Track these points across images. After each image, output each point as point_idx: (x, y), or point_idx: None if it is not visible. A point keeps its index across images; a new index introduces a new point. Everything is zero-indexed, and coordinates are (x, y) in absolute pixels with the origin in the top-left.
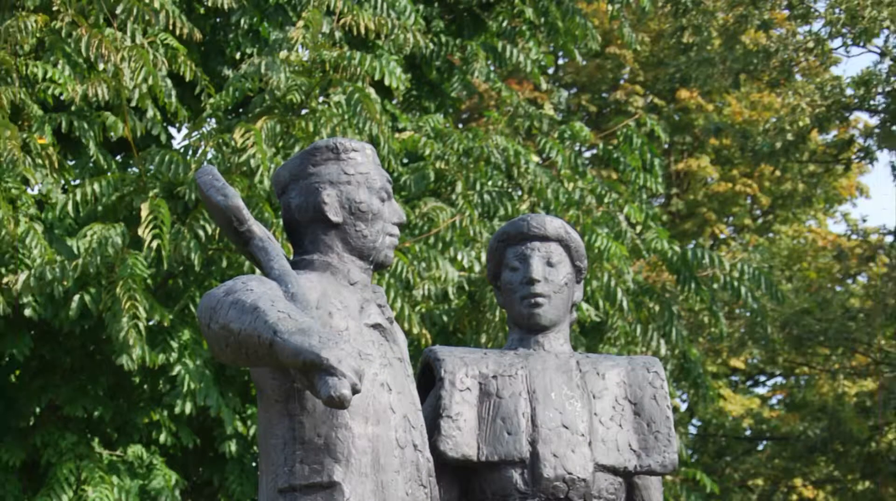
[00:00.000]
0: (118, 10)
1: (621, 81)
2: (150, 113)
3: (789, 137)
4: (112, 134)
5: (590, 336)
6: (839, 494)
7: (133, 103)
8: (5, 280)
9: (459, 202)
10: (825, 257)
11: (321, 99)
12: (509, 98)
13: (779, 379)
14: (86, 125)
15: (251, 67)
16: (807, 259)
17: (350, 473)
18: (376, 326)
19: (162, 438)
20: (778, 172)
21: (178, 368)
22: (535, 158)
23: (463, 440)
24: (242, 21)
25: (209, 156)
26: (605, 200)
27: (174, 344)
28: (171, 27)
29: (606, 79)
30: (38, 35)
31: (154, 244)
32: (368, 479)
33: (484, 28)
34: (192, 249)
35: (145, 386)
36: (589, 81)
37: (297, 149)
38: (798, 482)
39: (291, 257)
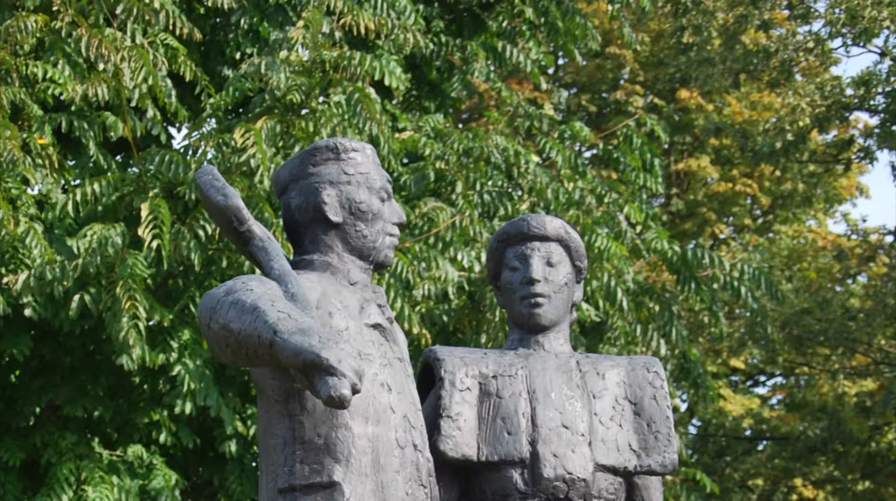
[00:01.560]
0: (118, 10)
1: (621, 81)
2: (150, 113)
3: (789, 137)
4: (112, 134)
5: (590, 336)
6: (839, 494)
7: (133, 103)
8: (5, 280)
9: (459, 202)
10: (825, 257)
11: (321, 99)
12: (509, 98)
13: (779, 379)
14: (86, 125)
15: (251, 67)
16: (807, 259)
17: (350, 473)
18: (376, 326)
19: (162, 438)
20: (778, 172)
21: (178, 368)
22: (535, 158)
23: (463, 440)
24: (242, 21)
25: (209, 156)
26: (605, 200)
27: (174, 344)
28: (171, 27)
29: (606, 79)
30: (38, 35)
31: (154, 244)
32: (368, 479)
33: (484, 28)
34: (192, 249)
35: (145, 386)
36: (589, 81)
37: (297, 149)
38: (798, 482)
39: (291, 257)
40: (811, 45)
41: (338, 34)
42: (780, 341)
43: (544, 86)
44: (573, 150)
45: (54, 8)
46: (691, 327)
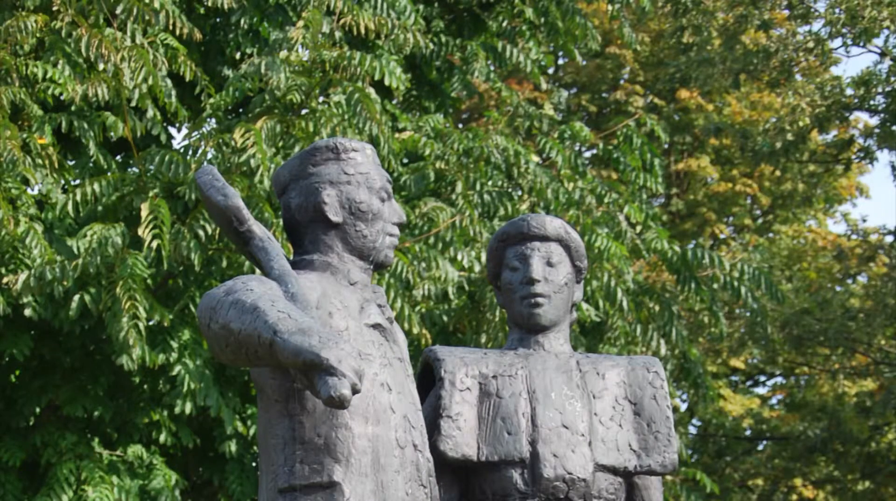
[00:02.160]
0: (118, 10)
1: (621, 81)
2: (150, 113)
3: (789, 137)
4: (112, 134)
5: (590, 336)
6: (839, 494)
7: (133, 103)
8: (5, 280)
9: (459, 202)
10: (825, 257)
11: (321, 99)
12: (509, 98)
13: (779, 379)
14: (86, 125)
15: (251, 67)
16: (807, 259)
17: (350, 473)
18: (376, 326)
19: (162, 438)
20: (778, 172)
21: (178, 368)
22: (535, 158)
23: (463, 440)
24: (242, 21)
25: (209, 156)
26: (605, 200)
27: (174, 344)
28: (171, 27)
29: (606, 79)
30: (38, 35)
31: (154, 244)
32: (368, 479)
33: (484, 28)
34: (192, 249)
35: (145, 386)
36: (589, 81)
37: (297, 149)
38: (798, 482)
39: (291, 257)
40: (811, 45)
41: (338, 34)
42: (780, 341)
43: (544, 86)
44: (573, 150)
45: (54, 8)
46: (691, 327)
